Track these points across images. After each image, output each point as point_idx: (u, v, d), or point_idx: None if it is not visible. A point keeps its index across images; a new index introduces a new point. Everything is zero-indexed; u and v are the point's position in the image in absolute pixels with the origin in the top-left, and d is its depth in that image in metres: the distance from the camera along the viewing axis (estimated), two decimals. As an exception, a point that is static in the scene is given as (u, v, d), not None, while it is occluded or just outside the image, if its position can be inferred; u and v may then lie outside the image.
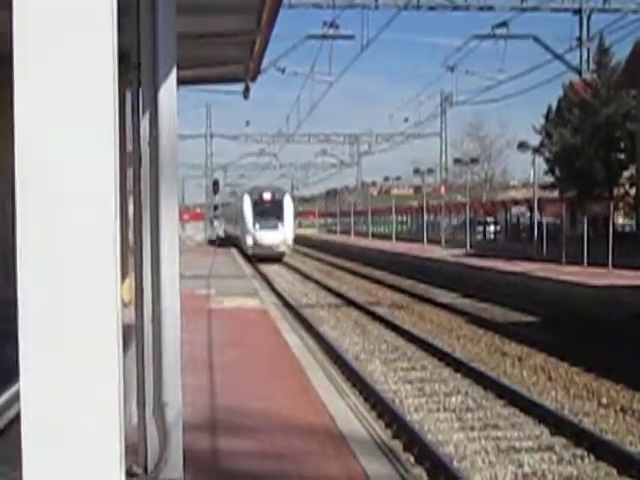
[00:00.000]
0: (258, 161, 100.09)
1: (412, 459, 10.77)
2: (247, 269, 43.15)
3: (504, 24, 27.28)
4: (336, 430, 9.08)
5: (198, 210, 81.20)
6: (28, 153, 2.56)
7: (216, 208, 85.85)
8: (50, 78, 2.58)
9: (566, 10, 27.42)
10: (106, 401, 2.59)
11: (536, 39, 28.94)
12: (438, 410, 13.81)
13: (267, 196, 61.02)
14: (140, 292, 6.94)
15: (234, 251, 62.02)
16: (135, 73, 6.68)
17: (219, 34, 12.00)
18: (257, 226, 58.07)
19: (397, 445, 11.19)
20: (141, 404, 7.05)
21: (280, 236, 58.03)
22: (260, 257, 55.39)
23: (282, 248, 58.03)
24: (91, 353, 2.57)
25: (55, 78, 2.59)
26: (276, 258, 56.38)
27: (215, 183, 73.44)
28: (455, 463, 10.61)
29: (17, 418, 2.74)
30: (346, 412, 10.04)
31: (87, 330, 2.58)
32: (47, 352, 2.56)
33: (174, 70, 6.76)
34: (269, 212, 58.72)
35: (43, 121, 2.57)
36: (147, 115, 6.79)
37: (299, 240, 79.39)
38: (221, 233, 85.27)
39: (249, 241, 58.01)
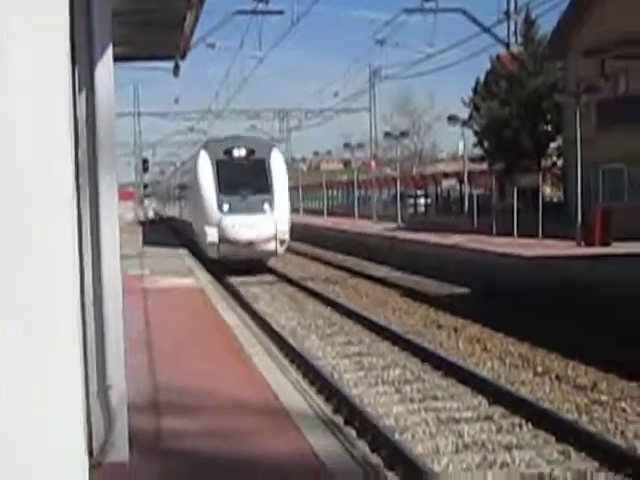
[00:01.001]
0: (187, 138, 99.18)
1: (354, 433, 10.84)
2: (180, 250, 42.92)
3: (433, -3, 27.50)
4: (279, 405, 9.10)
5: (130, 189, 79.21)
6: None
7: (146, 187, 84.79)
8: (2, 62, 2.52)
9: (493, -17, 27.71)
10: (68, 386, 2.55)
11: (464, 12, 29.16)
12: (377, 384, 13.92)
13: (241, 152, 34.84)
14: (81, 274, 6.85)
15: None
16: (70, 50, 6.56)
17: (149, 10, 11.83)
18: (226, 208, 32.73)
19: (338, 419, 11.25)
20: (85, 387, 6.97)
21: (268, 225, 32.68)
22: (232, 263, 32.47)
23: (272, 246, 32.92)
24: (51, 338, 2.53)
25: (6, 60, 2.53)
26: (261, 264, 33.70)
27: (144, 161, 72.34)
28: (397, 435, 10.71)
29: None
30: (288, 387, 10.06)
31: (46, 316, 2.53)
32: (6, 341, 2.51)
33: (110, 47, 6.67)
34: (247, 181, 33.36)
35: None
36: (83, 94, 6.68)
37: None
38: (151, 214, 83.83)
39: (211, 235, 32.76)
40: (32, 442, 2.55)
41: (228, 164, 33.31)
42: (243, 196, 32.27)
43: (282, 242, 32.49)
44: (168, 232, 52.97)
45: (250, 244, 31.58)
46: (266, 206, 32.21)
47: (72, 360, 2.58)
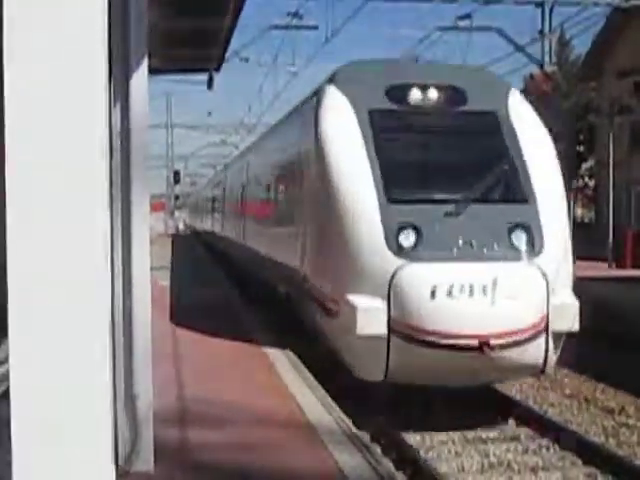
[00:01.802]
0: (219, 152, 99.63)
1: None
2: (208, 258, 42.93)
3: (468, 16, 27.42)
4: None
5: (162, 200, 79.22)
6: (18, 146, 2.53)
7: (177, 198, 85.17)
8: (42, 73, 2.56)
9: (529, 2, 27.68)
10: (98, 395, 2.57)
11: (499, 31, 29.09)
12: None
13: (434, 96, 12.53)
14: (111, 284, 6.89)
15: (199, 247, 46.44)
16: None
17: (185, 23, 11.94)
18: (409, 239, 10.94)
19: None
20: (112, 397, 7.00)
21: (530, 290, 10.80)
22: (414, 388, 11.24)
23: (535, 350, 10.93)
24: (82, 348, 2.55)
25: (45, 72, 2.56)
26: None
27: (176, 173, 72.62)
28: (422, 453, 10.63)
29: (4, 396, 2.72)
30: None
31: (78, 325, 2.56)
32: (38, 349, 2.53)
33: (145, 59, 6.72)
34: (459, 169, 12.08)
35: (33, 116, 2.54)
36: (118, 105, 6.74)
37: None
38: (181, 226, 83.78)
39: (367, 317, 10.50)
40: (60, 451, 2.57)
41: (403, 124, 12.76)
42: (455, 209, 11.58)
43: (558, 340, 11.48)
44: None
45: (479, 348, 10.38)
46: (521, 238, 11.42)
47: (102, 369, 2.61)
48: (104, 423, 2.59)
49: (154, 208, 76.88)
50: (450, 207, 11.44)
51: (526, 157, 12.10)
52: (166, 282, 24.86)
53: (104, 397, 2.59)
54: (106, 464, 2.60)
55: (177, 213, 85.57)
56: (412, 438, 11.04)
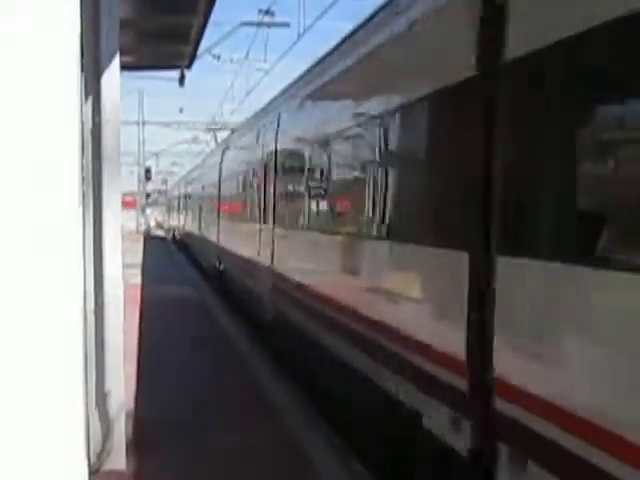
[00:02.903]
0: (191, 149, 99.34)
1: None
2: (180, 257, 42.81)
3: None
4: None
5: (131, 198, 78.59)
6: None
7: (148, 196, 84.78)
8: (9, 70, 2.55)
9: None
10: (69, 392, 2.57)
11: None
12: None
13: None
14: (83, 282, 6.87)
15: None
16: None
17: (156, 21, 11.89)
18: None
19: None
20: (84, 394, 6.98)
21: None
22: None
23: None
24: (55, 346, 2.55)
25: (17, 67, 2.56)
26: None
27: (147, 171, 72.23)
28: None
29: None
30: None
31: (50, 322, 2.55)
32: (8, 346, 2.53)
33: (117, 56, 6.70)
34: None
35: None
36: (90, 101, 6.72)
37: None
38: (152, 223, 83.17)
39: None
40: (31, 447, 2.57)
41: None
42: None
43: None
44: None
45: None
46: None
47: (74, 367, 2.61)
48: (76, 420, 2.58)
49: (126, 205, 76.53)
50: None
51: None
52: (137, 280, 24.75)
53: (76, 394, 2.59)
54: (78, 461, 2.60)
55: (148, 210, 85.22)
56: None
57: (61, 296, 2.59)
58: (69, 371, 2.57)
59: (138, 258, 34.53)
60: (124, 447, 7.19)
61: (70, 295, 2.59)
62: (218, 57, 37.01)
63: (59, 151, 2.57)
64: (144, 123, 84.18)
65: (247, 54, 38.67)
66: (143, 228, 71.48)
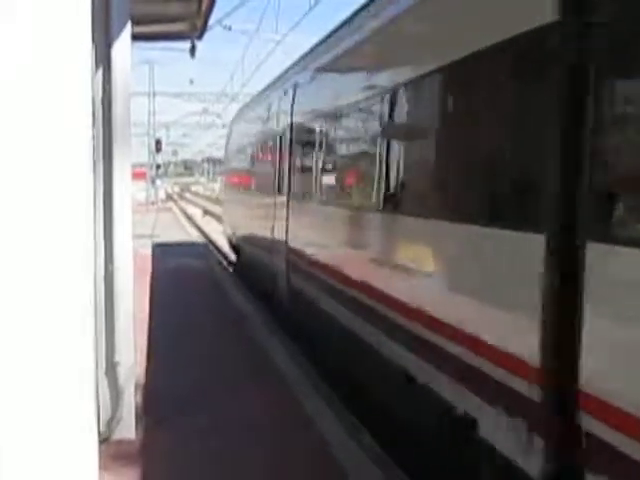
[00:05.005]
0: (201, 120, 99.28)
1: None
2: (190, 229, 42.86)
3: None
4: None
5: (143, 169, 78.27)
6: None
7: (159, 167, 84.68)
8: (22, 37, 2.54)
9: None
10: (79, 361, 2.59)
11: None
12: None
13: None
14: (93, 252, 6.89)
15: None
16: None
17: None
18: None
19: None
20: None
21: None
22: None
23: None
24: (65, 314, 2.56)
25: (27, 38, 2.55)
26: None
27: (158, 142, 72.15)
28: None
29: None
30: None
31: (61, 293, 2.57)
32: (19, 315, 2.54)
33: (128, 26, 6.68)
34: None
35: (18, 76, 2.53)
36: (100, 72, 6.71)
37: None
38: (162, 194, 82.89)
39: None
40: (42, 417, 2.59)
41: None
42: None
43: None
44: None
45: None
46: None
47: (84, 336, 2.62)
48: (86, 389, 2.61)
49: (136, 176, 76.53)
50: None
51: None
52: (147, 250, 24.81)
53: (86, 364, 2.61)
54: (88, 430, 2.62)
55: (158, 182, 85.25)
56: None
57: (71, 266, 2.60)
58: (79, 339, 2.59)
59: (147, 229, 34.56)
60: (133, 416, 7.24)
61: (80, 264, 2.60)
62: (229, 28, 36.91)
63: (70, 120, 2.57)
64: (154, 94, 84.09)
65: (259, 25, 38.54)
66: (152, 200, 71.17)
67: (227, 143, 25.24)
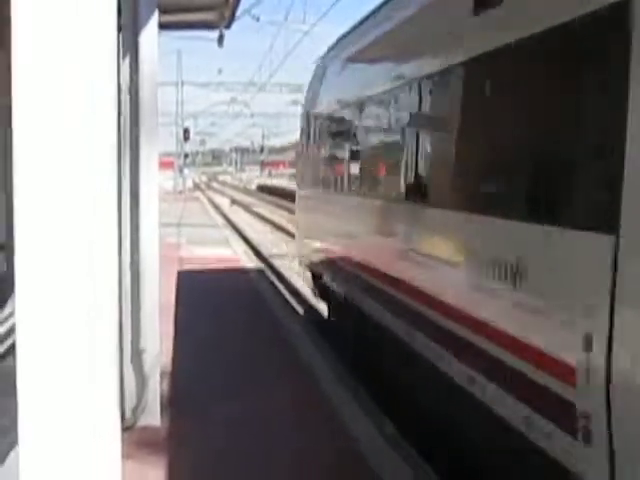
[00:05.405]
0: (229, 110, 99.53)
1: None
2: (217, 217, 43.02)
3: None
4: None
5: (171, 158, 78.40)
6: (23, 101, 2.53)
7: (186, 156, 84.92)
8: (47, 36, 2.54)
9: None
10: (102, 348, 2.60)
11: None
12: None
13: None
14: (119, 239, 6.92)
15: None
16: (116, 17, 6.60)
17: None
18: None
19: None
20: (119, 350, 7.06)
21: None
22: None
23: None
24: (89, 302, 2.57)
25: (51, 24, 2.55)
26: None
27: (186, 131, 72.39)
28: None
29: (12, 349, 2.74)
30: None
31: (86, 282, 2.57)
32: (44, 303, 2.55)
33: (155, 14, 6.69)
34: None
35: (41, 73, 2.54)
36: (127, 61, 6.72)
37: (268, 190, 78.49)
38: (189, 183, 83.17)
39: None
40: (64, 404, 2.59)
41: None
42: None
43: None
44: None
45: None
46: None
47: (109, 322, 2.63)
48: (109, 375, 2.61)
49: (163, 166, 76.84)
50: None
51: None
52: (174, 239, 24.94)
53: (110, 350, 2.61)
54: (111, 417, 2.63)
55: (186, 171, 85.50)
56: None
57: (95, 252, 2.60)
58: (103, 327, 2.60)
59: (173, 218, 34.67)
60: (158, 403, 7.27)
61: (104, 251, 2.60)
62: (257, 18, 36.96)
63: (96, 109, 2.57)
64: (183, 83, 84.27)
65: (287, 15, 38.55)
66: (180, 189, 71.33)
67: (307, 114, 15.64)
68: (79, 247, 2.59)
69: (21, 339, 2.59)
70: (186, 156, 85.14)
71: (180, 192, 67.43)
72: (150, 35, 6.66)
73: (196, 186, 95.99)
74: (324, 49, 15.83)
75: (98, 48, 2.60)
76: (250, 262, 22.36)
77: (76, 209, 2.58)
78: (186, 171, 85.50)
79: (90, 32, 2.61)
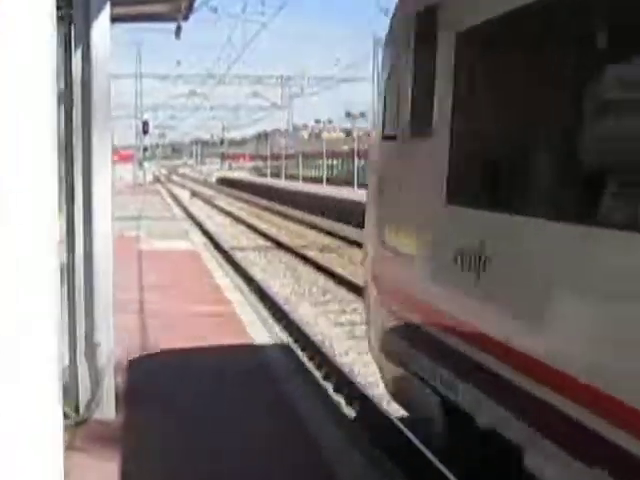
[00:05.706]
0: (188, 102, 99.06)
1: (343, 400, 10.83)
2: (177, 210, 42.89)
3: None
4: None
5: (130, 152, 77.89)
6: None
7: (145, 150, 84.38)
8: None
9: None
10: (43, 342, 2.58)
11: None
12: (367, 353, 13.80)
13: None
14: (72, 231, 6.88)
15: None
16: (67, 9, 6.55)
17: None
18: None
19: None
20: (72, 345, 7.02)
21: None
22: None
23: None
24: (28, 292, 2.55)
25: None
26: None
27: (145, 124, 71.87)
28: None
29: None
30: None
31: (24, 270, 2.55)
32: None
33: (107, 5, 6.63)
34: None
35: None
36: (79, 53, 6.67)
37: (228, 183, 78.24)
38: (149, 177, 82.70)
39: None
40: (6, 396, 2.58)
41: None
42: None
43: None
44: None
45: None
46: None
47: (49, 314, 2.61)
48: (50, 369, 2.59)
49: (123, 159, 76.37)
50: None
51: None
52: (133, 232, 24.81)
53: (50, 341, 2.59)
54: (53, 410, 2.61)
55: (146, 164, 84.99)
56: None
57: (37, 246, 2.58)
58: (43, 318, 2.57)
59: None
60: (113, 398, 7.24)
61: (45, 246, 2.58)
62: (215, 10, 36.86)
63: (32, 101, 2.55)
64: (141, 76, 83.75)
65: (244, 7, 38.43)
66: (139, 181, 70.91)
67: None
68: (15, 242, 2.55)
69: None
70: (145, 149, 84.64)
71: (140, 185, 67.08)
72: (102, 27, 6.61)
73: (156, 179, 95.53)
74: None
75: (33, 38, 2.57)
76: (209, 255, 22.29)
77: (15, 199, 2.55)
78: (146, 164, 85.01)
79: (25, 22, 2.57)
